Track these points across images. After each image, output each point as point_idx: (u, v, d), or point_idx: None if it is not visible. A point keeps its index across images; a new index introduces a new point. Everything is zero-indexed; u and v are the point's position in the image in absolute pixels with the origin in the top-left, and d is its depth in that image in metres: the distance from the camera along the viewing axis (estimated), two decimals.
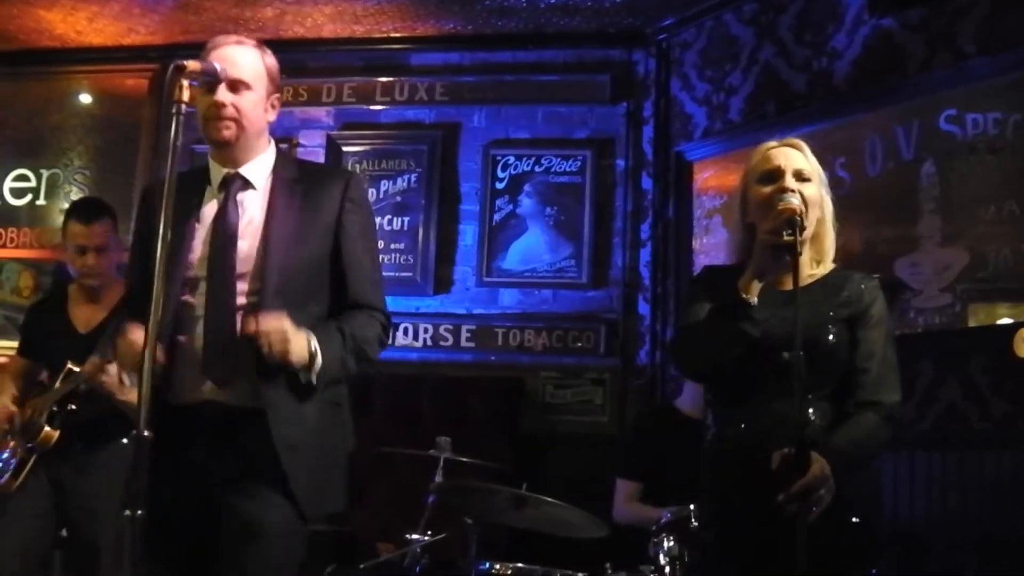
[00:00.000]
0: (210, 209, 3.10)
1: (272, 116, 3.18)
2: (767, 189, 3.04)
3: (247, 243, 3.04)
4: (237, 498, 2.95)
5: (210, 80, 2.93)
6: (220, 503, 2.96)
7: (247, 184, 3.11)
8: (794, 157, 3.09)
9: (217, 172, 3.13)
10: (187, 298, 3.02)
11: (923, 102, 5.14)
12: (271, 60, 3.17)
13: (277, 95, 3.18)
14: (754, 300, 2.93)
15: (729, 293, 2.96)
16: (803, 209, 2.95)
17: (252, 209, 3.09)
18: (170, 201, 2.55)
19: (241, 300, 3.01)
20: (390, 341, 3.27)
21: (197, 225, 3.07)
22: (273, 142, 3.23)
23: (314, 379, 2.94)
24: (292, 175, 3.17)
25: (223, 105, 3.01)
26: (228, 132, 3.03)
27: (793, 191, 2.99)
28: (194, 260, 3.03)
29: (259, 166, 3.14)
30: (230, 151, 3.10)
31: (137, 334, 2.83)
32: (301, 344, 2.88)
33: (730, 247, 3.27)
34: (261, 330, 2.83)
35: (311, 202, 3.12)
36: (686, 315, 3.17)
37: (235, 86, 3.03)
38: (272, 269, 3.00)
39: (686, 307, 3.21)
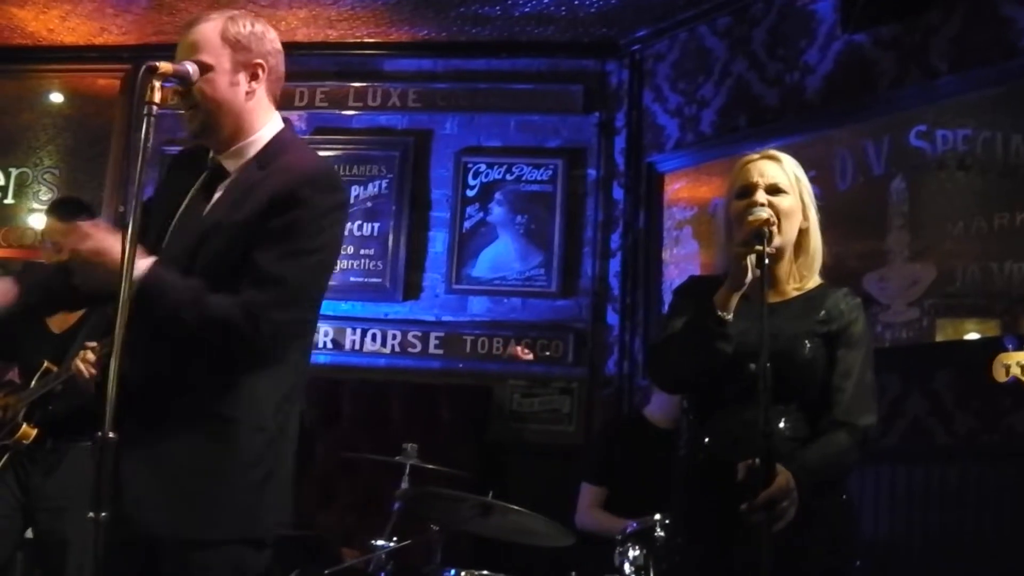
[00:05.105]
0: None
1: (252, 86, 2.79)
2: (741, 204, 3.04)
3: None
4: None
5: (183, 82, 2.72)
6: None
7: (223, 172, 2.81)
8: (769, 170, 3.09)
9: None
10: None
11: (894, 118, 5.18)
12: (235, 27, 2.79)
13: (258, 61, 2.80)
14: (729, 316, 2.93)
15: (706, 309, 2.95)
16: (773, 221, 2.95)
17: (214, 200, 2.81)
18: (138, 202, 2.51)
19: None
20: (316, 347, 2.79)
21: (177, 213, 2.81)
22: (277, 120, 2.88)
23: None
24: (263, 161, 2.78)
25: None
26: (192, 124, 2.77)
27: (763, 204, 2.99)
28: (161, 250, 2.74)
29: (242, 151, 2.80)
30: (208, 138, 2.81)
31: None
32: (113, 244, 2.53)
33: (716, 259, 3.27)
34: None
35: (245, 195, 2.72)
36: (666, 326, 3.16)
37: (200, 68, 2.74)
38: (182, 267, 2.66)
39: (667, 318, 3.20)
